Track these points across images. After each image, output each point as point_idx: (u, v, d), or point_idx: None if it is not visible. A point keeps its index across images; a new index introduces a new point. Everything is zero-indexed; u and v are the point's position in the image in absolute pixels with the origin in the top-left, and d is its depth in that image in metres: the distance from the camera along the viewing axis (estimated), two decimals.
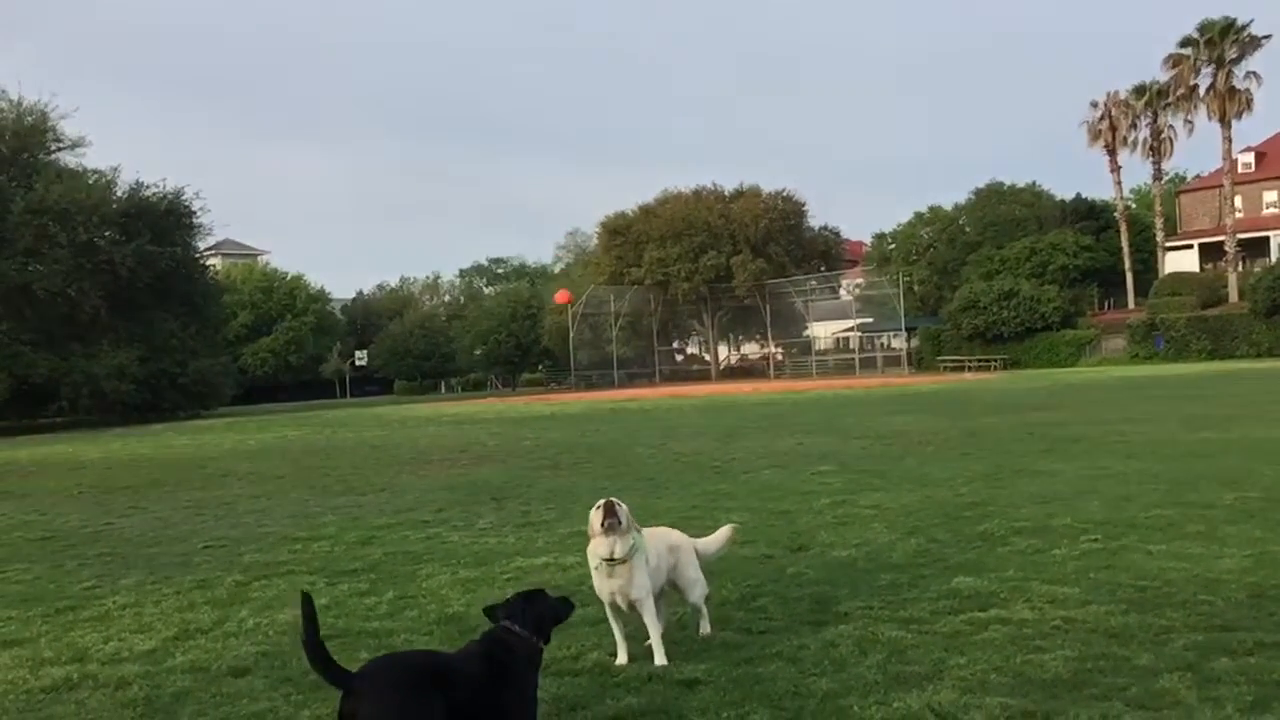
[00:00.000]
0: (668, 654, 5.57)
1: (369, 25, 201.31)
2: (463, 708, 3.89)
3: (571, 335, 73.41)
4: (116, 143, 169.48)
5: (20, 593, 8.32)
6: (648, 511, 10.78)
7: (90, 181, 51.52)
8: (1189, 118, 67.66)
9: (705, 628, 6.08)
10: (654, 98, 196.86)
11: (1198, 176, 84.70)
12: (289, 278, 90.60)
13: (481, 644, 4.33)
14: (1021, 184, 78.52)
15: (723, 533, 6.52)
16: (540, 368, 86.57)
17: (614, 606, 5.61)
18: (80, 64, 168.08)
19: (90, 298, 46.95)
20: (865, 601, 6.60)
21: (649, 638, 5.62)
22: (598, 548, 5.49)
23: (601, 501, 5.57)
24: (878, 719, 4.57)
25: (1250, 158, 74.93)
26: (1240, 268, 64.62)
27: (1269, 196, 74.22)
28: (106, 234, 49.01)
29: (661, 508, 11.11)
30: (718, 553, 6.47)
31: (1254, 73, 63.41)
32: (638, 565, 5.50)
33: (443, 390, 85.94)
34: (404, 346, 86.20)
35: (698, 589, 6.03)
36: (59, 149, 52.62)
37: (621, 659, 5.58)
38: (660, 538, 5.98)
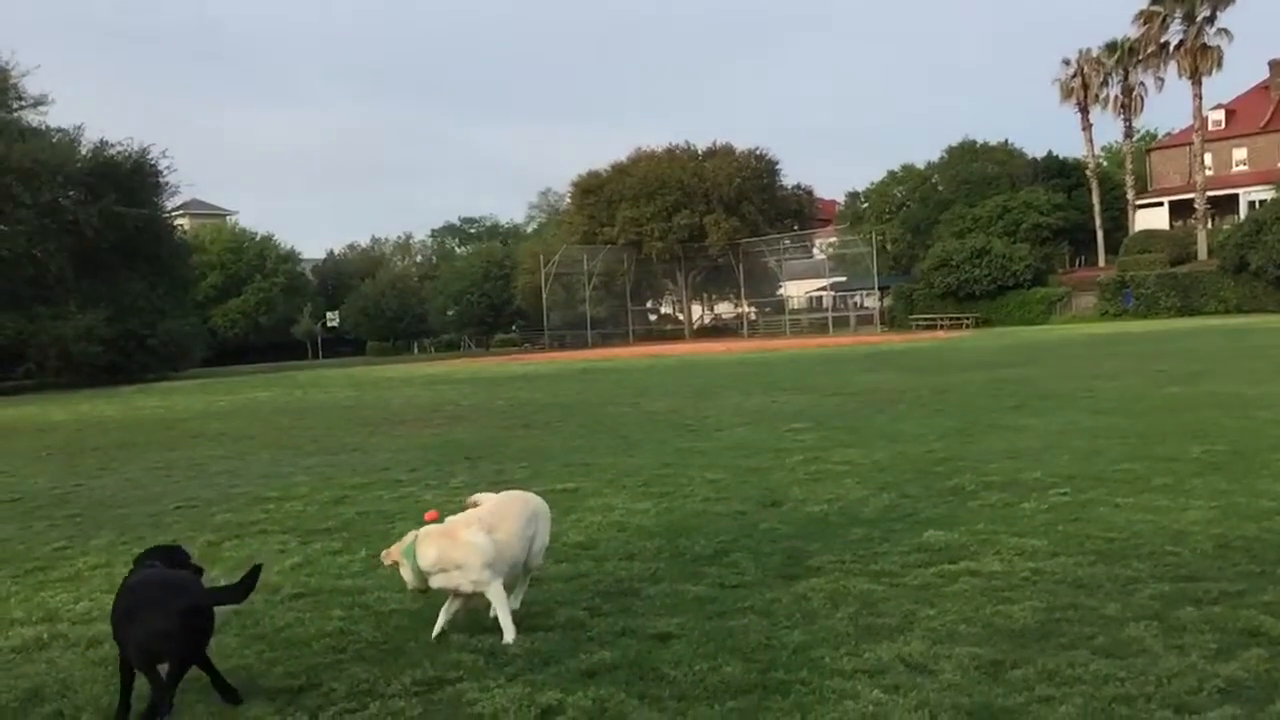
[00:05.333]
0: (637, 610, 5.63)
1: None
2: None
3: (544, 295, 73.20)
4: (79, 101, 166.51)
5: None
6: (621, 470, 10.82)
7: (54, 140, 50.64)
8: (1160, 75, 67.75)
9: (515, 602, 5.62)
10: (626, 56, 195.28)
11: (1168, 134, 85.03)
12: (258, 238, 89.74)
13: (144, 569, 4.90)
14: (994, 142, 78.60)
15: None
16: (513, 328, 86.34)
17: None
18: (39, 20, 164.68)
19: (56, 258, 46.36)
20: (837, 555, 6.65)
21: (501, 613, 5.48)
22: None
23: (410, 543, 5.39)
24: (849, 669, 4.61)
25: (1220, 115, 75.18)
26: (1209, 225, 65.04)
27: (1238, 154, 74.57)
28: (71, 194, 48.28)
29: (634, 465, 11.14)
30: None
31: (1225, 30, 63.39)
32: (469, 564, 5.31)
33: (415, 351, 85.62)
34: (376, 307, 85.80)
35: (539, 558, 5.80)
36: (21, 107, 51.68)
37: (435, 630, 5.43)
38: (521, 506, 5.72)
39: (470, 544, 5.33)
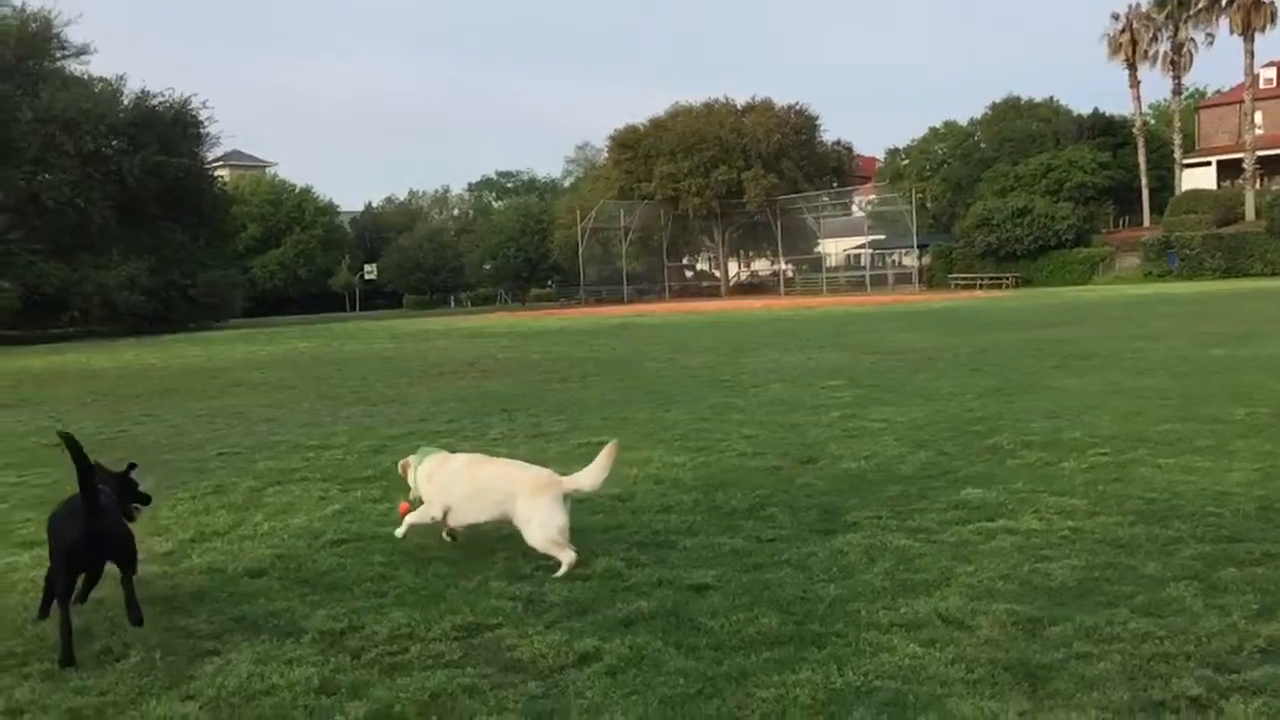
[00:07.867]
0: (674, 562, 5.70)
1: None
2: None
3: (581, 250, 73.14)
4: (120, 50, 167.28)
5: (39, 495, 8.39)
6: (657, 424, 10.84)
7: (96, 90, 51.00)
8: (1210, 31, 66.28)
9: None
10: (666, 8, 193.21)
11: (1218, 92, 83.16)
12: (297, 190, 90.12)
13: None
14: (1039, 99, 77.28)
15: (602, 455, 5.87)
16: (549, 283, 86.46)
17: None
18: None
19: (99, 208, 46.83)
20: (874, 512, 6.64)
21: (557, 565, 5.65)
22: None
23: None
24: (885, 623, 4.61)
25: (1272, 73, 73.40)
26: (1258, 185, 63.78)
27: None
28: (114, 143, 48.74)
29: (671, 420, 11.16)
30: (600, 478, 5.85)
31: None
32: (421, 482, 6.11)
33: (452, 305, 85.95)
34: (413, 260, 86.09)
35: (531, 529, 5.64)
36: (64, 56, 52.00)
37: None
38: (507, 466, 6.27)
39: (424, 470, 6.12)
